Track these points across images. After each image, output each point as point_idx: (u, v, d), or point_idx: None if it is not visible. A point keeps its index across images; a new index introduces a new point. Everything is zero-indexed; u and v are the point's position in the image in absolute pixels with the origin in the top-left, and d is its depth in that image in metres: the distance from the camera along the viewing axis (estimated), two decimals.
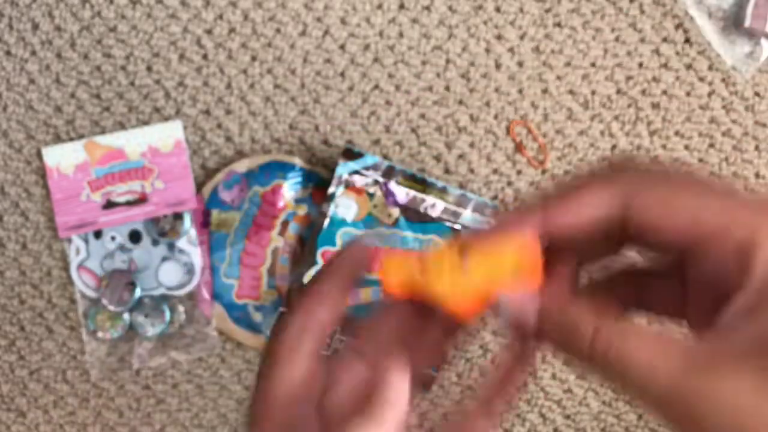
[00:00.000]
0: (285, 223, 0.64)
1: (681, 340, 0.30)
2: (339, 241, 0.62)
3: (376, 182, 0.62)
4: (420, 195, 0.63)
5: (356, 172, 0.62)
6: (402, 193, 0.63)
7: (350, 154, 0.62)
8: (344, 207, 0.62)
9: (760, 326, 0.29)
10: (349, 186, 0.62)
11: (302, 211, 0.64)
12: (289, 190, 0.64)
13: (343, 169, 0.62)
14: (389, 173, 0.62)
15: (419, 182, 0.63)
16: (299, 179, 0.64)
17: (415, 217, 0.63)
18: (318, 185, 0.64)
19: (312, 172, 0.64)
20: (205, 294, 0.64)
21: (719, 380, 0.28)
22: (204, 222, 0.64)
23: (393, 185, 0.62)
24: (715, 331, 0.30)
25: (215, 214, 0.64)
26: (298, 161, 0.64)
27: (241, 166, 0.64)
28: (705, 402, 0.28)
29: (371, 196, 0.62)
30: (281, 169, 0.64)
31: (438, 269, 0.32)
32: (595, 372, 0.31)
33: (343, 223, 0.62)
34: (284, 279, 0.64)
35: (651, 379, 0.29)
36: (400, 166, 0.63)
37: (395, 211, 0.63)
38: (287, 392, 0.35)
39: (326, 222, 0.62)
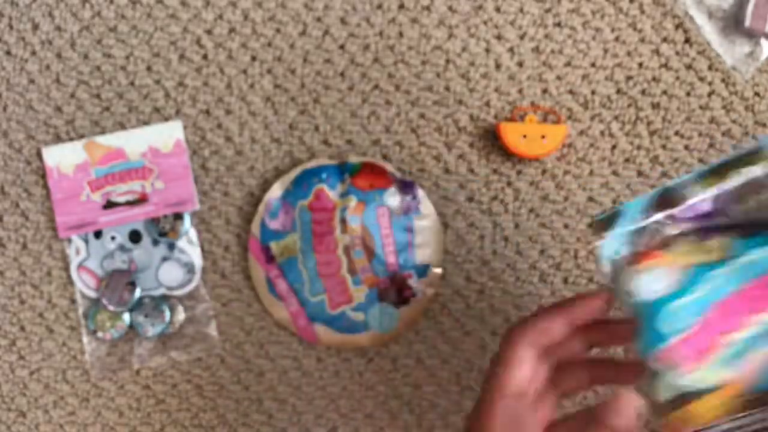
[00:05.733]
0: (343, 220, 0.63)
1: None
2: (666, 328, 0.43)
3: (657, 228, 0.44)
4: (732, 183, 0.42)
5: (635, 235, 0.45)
6: (701, 202, 0.43)
7: (607, 222, 0.45)
8: (648, 282, 0.44)
9: None
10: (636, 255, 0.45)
11: (352, 202, 0.63)
12: (329, 189, 0.63)
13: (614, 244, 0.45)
14: (668, 200, 0.43)
15: (716, 171, 0.43)
16: (334, 176, 0.63)
17: (742, 229, 0.42)
18: (353, 172, 0.64)
19: (341, 163, 0.64)
20: (302, 322, 0.64)
21: None
22: (267, 258, 0.64)
23: (686, 206, 0.44)
24: None
25: (274, 245, 0.64)
26: (324, 160, 0.63)
27: (276, 192, 0.64)
28: None
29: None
30: (313, 174, 0.64)
31: None
32: None
33: (662, 301, 0.43)
34: (367, 270, 0.63)
35: None
36: (675, 180, 0.44)
37: (714, 242, 0.43)
38: (514, 389, 0.45)
39: (642, 311, 0.44)
